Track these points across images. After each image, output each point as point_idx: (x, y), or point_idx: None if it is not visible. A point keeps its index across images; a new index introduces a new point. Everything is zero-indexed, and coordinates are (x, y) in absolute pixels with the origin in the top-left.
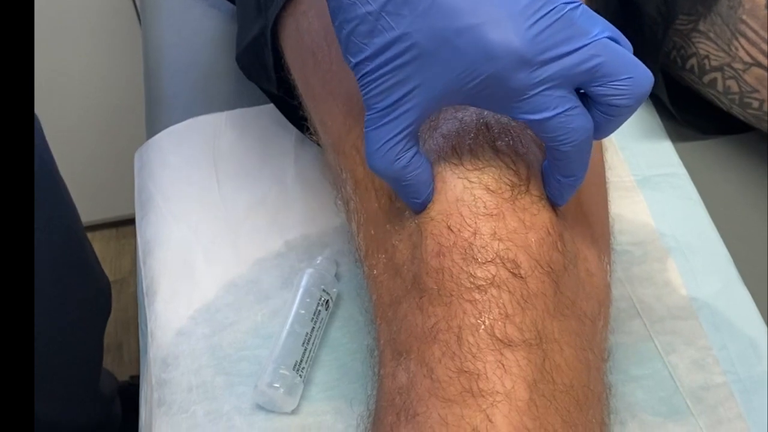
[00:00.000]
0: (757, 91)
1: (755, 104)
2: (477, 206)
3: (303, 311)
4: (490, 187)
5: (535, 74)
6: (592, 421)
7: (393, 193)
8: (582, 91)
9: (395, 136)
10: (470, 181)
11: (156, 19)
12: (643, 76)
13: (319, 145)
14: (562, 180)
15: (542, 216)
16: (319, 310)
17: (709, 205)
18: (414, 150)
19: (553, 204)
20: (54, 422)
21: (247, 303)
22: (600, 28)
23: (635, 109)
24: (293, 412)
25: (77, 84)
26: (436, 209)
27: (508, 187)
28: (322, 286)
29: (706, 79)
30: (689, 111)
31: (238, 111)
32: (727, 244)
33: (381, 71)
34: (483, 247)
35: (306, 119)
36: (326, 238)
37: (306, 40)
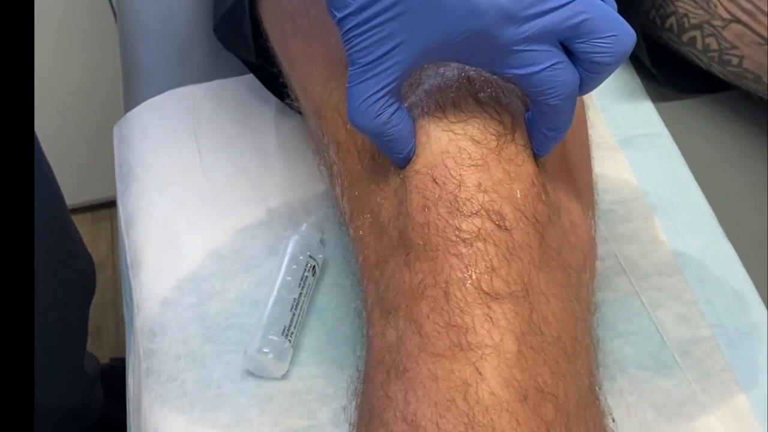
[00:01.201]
0: (736, 47)
1: (734, 61)
2: (462, 157)
3: (289, 278)
4: (475, 138)
5: (521, 29)
6: (581, 372)
7: (376, 152)
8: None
9: (378, 91)
10: (455, 133)
11: None
12: (625, 35)
13: (299, 113)
14: (547, 133)
15: (527, 166)
16: (306, 276)
17: (691, 164)
18: (396, 105)
19: (537, 155)
20: (37, 404)
21: (233, 272)
22: None
23: (616, 68)
24: (283, 377)
25: (48, 63)
26: (420, 162)
27: (493, 137)
28: (308, 253)
29: (686, 37)
30: (669, 71)
31: (216, 82)
32: (710, 201)
33: (366, 26)
34: (468, 200)
35: (286, 87)
36: (309, 205)
37: (285, 5)
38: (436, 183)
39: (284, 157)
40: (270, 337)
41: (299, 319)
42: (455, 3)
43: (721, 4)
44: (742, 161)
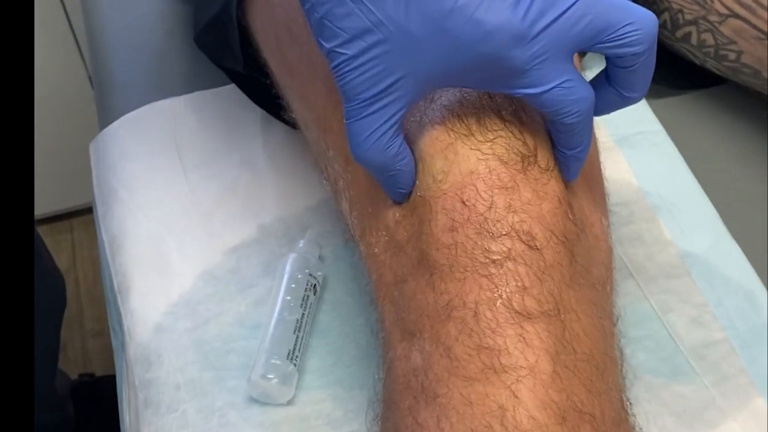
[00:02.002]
0: (734, 42)
1: (732, 56)
2: (492, 178)
3: (289, 297)
4: (503, 158)
5: (529, 48)
6: (612, 387)
7: None
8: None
9: (383, 124)
10: (483, 153)
11: (97, 4)
12: (642, 18)
13: (290, 124)
14: (567, 153)
15: (552, 185)
16: (307, 295)
17: (689, 160)
18: (402, 137)
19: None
20: None
21: (229, 293)
22: None
23: (649, 53)
24: (289, 402)
25: None
26: (449, 182)
27: (518, 157)
28: (307, 270)
29: (680, 33)
30: (661, 67)
31: (197, 94)
32: (711, 198)
33: (362, 59)
34: (498, 221)
35: (278, 97)
36: (304, 219)
37: (279, 13)
38: (465, 205)
39: (274, 170)
40: (273, 361)
41: (303, 341)
42: (459, 29)
43: None
44: (739, 155)
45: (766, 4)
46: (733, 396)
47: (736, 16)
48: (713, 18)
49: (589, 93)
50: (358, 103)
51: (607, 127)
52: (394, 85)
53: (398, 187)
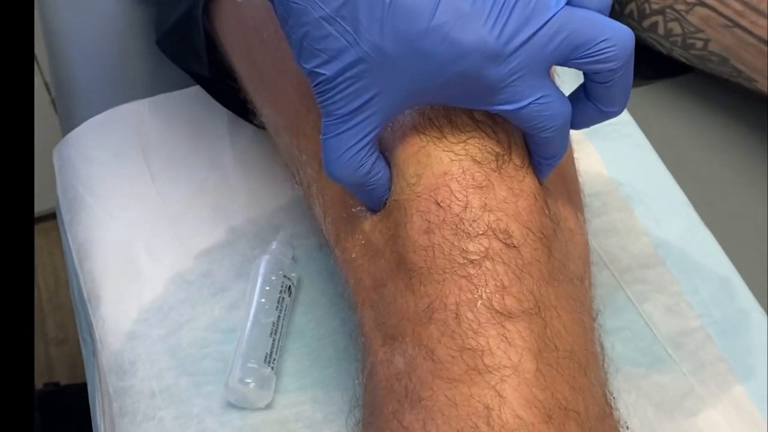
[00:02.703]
0: (701, 30)
1: (699, 44)
2: (466, 178)
3: (264, 300)
4: (476, 158)
5: (505, 66)
6: (594, 383)
7: None
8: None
9: (358, 142)
10: (457, 154)
11: (54, 6)
12: (618, 33)
13: (258, 126)
14: (543, 161)
15: (527, 182)
16: (282, 297)
17: (658, 149)
18: (376, 154)
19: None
20: None
21: (202, 298)
22: None
23: (626, 68)
24: (267, 406)
25: None
26: (422, 184)
27: (492, 156)
28: (281, 272)
29: (646, 23)
30: None
31: (162, 96)
32: (682, 186)
33: (340, 78)
34: (474, 221)
35: (246, 101)
36: (276, 220)
37: (247, 17)
38: (440, 206)
39: (243, 171)
40: (250, 365)
41: (279, 343)
42: (436, 49)
43: None
44: (708, 143)
45: None
46: (711, 383)
47: (703, 4)
48: (680, 7)
49: (565, 107)
50: (335, 119)
51: None
52: (370, 102)
53: (371, 201)
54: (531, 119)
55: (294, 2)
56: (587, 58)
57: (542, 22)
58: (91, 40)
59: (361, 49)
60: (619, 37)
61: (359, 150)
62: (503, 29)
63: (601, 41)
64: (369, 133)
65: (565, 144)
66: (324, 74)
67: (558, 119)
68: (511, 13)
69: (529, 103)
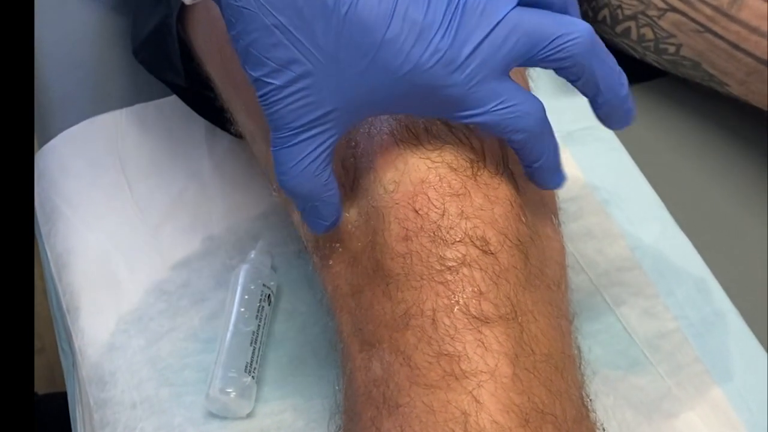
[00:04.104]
0: (673, 36)
1: (671, 49)
2: (443, 186)
3: (243, 309)
4: (453, 165)
5: (459, 73)
6: (571, 385)
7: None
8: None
9: (312, 152)
10: (433, 161)
11: None
12: (573, 28)
13: (235, 135)
14: (532, 167)
15: (503, 189)
16: (262, 306)
17: (633, 153)
18: (331, 168)
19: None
20: None
21: (181, 308)
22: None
23: (592, 57)
24: (249, 415)
25: None
26: (400, 191)
27: (468, 164)
28: (260, 281)
29: (619, 28)
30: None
31: (138, 106)
32: (656, 189)
33: (290, 89)
34: (451, 228)
35: (223, 110)
36: (254, 229)
37: (221, 26)
38: (418, 213)
39: (221, 180)
40: (231, 374)
41: (259, 352)
42: (390, 60)
43: None
44: (681, 146)
45: None
46: (688, 385)
47: (675, 10)
48: (652, 12)
49: (533, 107)
50: (287, 132)
51: (552, 125)
52: (326, 116)
53: (321, 218)
54: (496, 124)
55: (244, 7)
56: (546, 55)
57: (492, 25)
58: (67, 51)
59: (316, 59)
60: (573, 29)
61: (315, 159)
62: (454, 38)
63: (557, 37)
64: (325, 142)
65: (549, 143)
66: (272, 83)
67: (527, 119)
68: (461, 19)
69: (492, 108)
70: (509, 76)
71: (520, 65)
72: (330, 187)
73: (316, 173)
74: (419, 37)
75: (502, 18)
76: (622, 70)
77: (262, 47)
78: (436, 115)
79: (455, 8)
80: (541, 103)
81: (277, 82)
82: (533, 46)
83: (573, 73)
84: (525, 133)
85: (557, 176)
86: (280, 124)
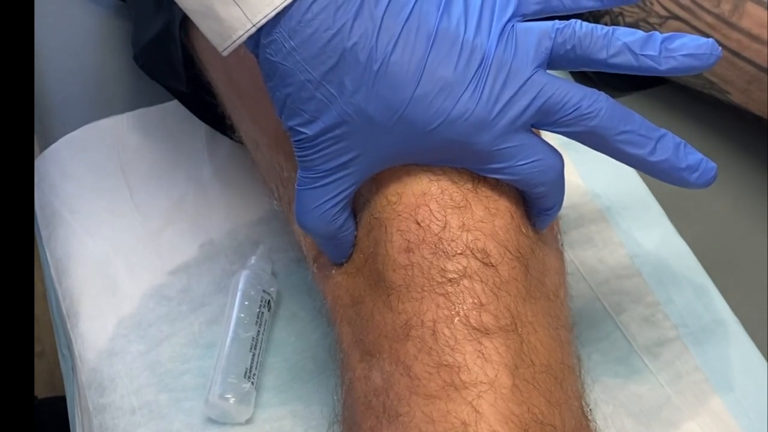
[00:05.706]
0: None
1: None
2: (444, 199)
3: (243, 315)
4: (453, 179)
5: (489, 130)
6: (571, 396)
7: None
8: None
9: (333, 197)
10: (435, 174)
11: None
12: (589, 100)
13: (236, 141)
14: (542, 213)
15: (503, 201)
16: (262, 312)
17: None
18: (349, 210)
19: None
20: None
21: (181, 313)
22: (531, 59)
23: (605, 123)
24: (248, 421)
25: None
26: (403, 203)
27: (468, 177)
28: (260, 287)
29: None
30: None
31: (140, 111)
32: (657, 197)
33: (321, 138)
34: (452, 240)
35: (224, 116)
36: (254, 234)
37: None
38: (420, 225)
39: (221, 185)
40: (230, 380)
41: (259, 358)
42: (419, 116)
43: (658, 1)
44: None
45: (705, 5)
46: (688, 393)
47: (676, 17)
48: (653, 20)
49: (555, 162)
50: (313, 173)
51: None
52: (350, 162)
53: (338, 254)
54: (522, 178)
55: (280, 63)
56: (563, 125)
57: (520, 84)
58: (69, 56)
59: (345, 112)
60: (589, 99)
61: (335, 204)
62: (483, 95)
63: (574, 109)
64: (346, 189)
65: (562, 194)
66: (305, 133)
67: (549, 174)
68: (488, 77)
69: (517, 163)
70: (532, 131)
71: (537, 128)
72: (345, 228)
73: (335, 218)
74: (449, 94)
75: (528, 78)
76: (653, 127)
77: (297, 100)
78: (461, 167)
79: (482, 65)
80: (561, 156)
81: (309, 132)
82: (552, 112)
83: (587, 141)
84: (546, 186)
85: (550, 221)
86: (307, 166)
